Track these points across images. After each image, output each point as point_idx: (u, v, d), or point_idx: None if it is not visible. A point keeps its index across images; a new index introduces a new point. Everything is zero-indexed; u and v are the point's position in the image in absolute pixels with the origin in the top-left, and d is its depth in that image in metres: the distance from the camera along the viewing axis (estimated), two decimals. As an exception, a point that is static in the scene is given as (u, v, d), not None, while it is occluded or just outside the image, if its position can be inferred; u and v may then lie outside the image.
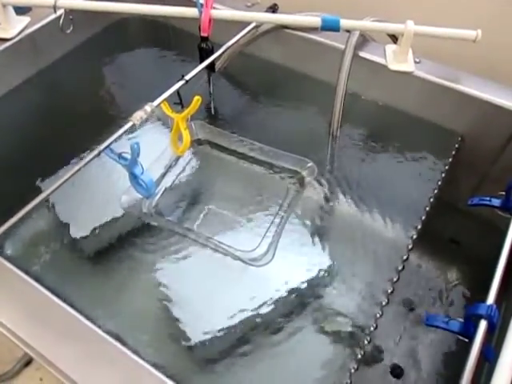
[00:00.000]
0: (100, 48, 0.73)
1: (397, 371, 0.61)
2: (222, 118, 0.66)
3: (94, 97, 0.70)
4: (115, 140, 0.48)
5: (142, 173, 0.51)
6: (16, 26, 0.62)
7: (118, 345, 0.37)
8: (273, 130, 0.62)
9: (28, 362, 0.86)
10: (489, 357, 0.37)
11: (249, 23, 0.62)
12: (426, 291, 0.69)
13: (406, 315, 0.66)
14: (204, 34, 0.57)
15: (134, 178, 0.52)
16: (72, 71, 0.70)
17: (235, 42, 0.61)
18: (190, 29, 0.66)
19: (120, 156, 0.50)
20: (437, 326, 0.41)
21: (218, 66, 0.66)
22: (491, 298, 0.37)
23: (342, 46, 0.59)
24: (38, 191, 0.43)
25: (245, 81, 0.71)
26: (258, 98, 0.68)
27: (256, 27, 0.63)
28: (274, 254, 0.48)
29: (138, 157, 0.49)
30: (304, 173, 0.55)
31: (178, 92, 0.55)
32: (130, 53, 0.76)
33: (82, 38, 0.71)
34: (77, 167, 0.44)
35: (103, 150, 0.47)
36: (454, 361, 0.61)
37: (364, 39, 0.63)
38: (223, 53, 0.60)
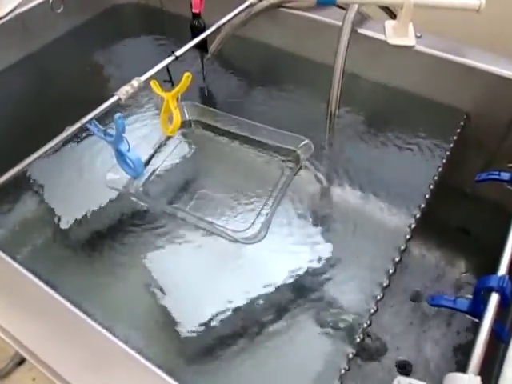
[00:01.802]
0: (93, 33, 0.72)
1: (404, 365, 0.57)
2: (216, 99, 0.63)
3: (85, 82, 0.68)
4: (99, 114, 0.46)
5: (128, 150, 0.48)
6: (7, 6, 0.61)
7: (96, 325, 0.34)
8: (268, 111, 0.60)
9: (21, 361, 0.83)
10: (502, 335, 0.33)
11: (243, 1, 0.60)
12: (433, 283, 0.65)
13: (413, 307, 0.63)
14: (195, 11, 0.56)
15: (120, 155, 0.49)
16: (63, 56, 0.68)
17: (229, 20, 0.59)
18: (184, 13, 0.64)
19: (105, 132, 0.48)
20: (443, 306, 0.38)
21: (212, 48, 0.64)
22: (503, 269, 0.33)
23: (340, 24, 0.56)
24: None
25: (240, 63, 0.69)
26: (254, 79, 0.66)
27: (250, 6, 0.61)
28: (266, 233, 0.45)
29: (124, 132, 0.47)
30: (299, 151, 0.52)
31: (167, 69, 0.53)
32: (123, 38, 0.74)
33: (76, 23, 0.70)
34: (58, 139, 0.42)
35: (86, 123, 0.44)
36: (464, 353, 0.57)
37: (362, 17, 0.61)
38: (216, 31, 0.58)
